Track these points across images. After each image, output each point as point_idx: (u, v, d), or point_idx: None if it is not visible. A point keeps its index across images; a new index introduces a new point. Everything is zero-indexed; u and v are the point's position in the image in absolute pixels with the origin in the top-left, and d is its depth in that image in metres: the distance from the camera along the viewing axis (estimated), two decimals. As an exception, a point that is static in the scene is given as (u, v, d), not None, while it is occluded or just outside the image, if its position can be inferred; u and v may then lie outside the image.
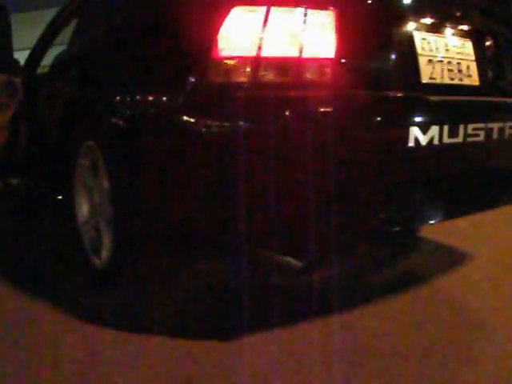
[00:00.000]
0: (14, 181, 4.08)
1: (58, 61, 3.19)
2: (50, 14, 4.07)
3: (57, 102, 2.89)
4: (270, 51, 1.84)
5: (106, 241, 2.38)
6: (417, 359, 1.93)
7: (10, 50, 3.80)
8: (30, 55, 3.93)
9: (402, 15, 2.16)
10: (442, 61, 2.18)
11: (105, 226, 2.40)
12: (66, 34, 3.56)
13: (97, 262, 2.47)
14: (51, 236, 3.38)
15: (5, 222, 3.82)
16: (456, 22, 2.34)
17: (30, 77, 3.71)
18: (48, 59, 3.56)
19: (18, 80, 3.50)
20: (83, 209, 2.65)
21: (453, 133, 2.03)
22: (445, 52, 2.21)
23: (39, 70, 3.92)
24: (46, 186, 3.52)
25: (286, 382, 1.78)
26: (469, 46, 2.33)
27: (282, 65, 1.85)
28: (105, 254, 2.40)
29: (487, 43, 2.47)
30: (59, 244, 3.16)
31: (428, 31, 2.18)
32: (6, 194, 4.29)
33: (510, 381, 1.81)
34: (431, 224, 2.30)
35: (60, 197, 3.14)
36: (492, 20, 2.59)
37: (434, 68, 2.14)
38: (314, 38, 1.88)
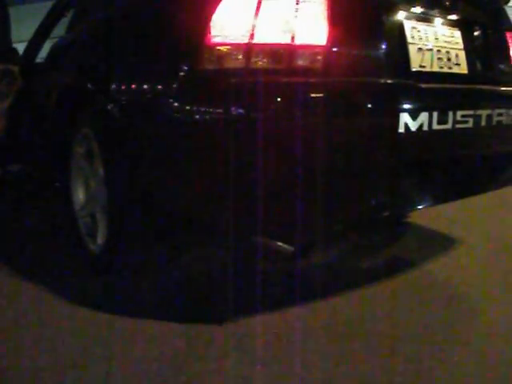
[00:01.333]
0: (13, 168, 4.06)
1: (56, 50, 3.16)
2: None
3: (54, 90, 2.86)
4: (262, 38, 1.81)
5: (101, 227, 2.36)
6: (407, 341, 1.92)
7: (8, 39, 3.77)
8: (29, 44, 3.89)
9: (393, 4, 2.13)
10: (431, 49, 2.16)
11: (100, 213, 2.38)
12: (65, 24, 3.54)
13: (92, 247, 2.45)
14: (48, 222, 3.34)
15: (3, 209, 3.78)
16: (445, 11, 2.32)
17: (29, 66, 3.67)
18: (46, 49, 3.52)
19: (16, 69, 3.47)
20: (79, 195, 2.63)
21: (442, 119, 2.01)
22: (434, 41, 2.19)
23: (37, 59, 3.88)
24: (44, 174, 3.49)
25: (277, 364, 1.76)
26: (458, 35, 2.32)
27: (275, 51, 1.81)
28: (100, 239, 2.38)
29: (475, 33, 2.45)
30: (56, 230, 3.12)
31: (418, 20, 2.17)
32: (4, 181, 4.26)
33: (499, 361, 1.80)
34: (420, 209, 2.29)
35: (57, 184, 3.10)
36: (480, 10, 2.57)
37: (423, 56, 2.12)
38: (306, 25, 1.85)
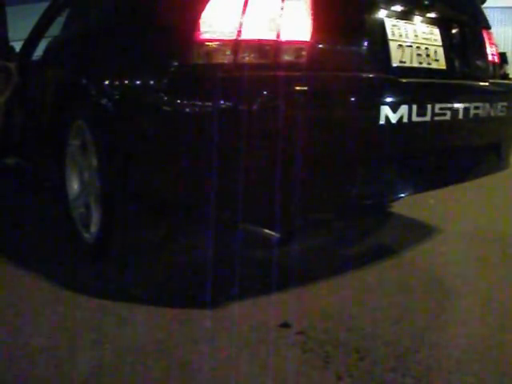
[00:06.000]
0: (9, 161, 4.04)
1: (52, 47, 3.14)
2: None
3: (49, 84, 2.85)
4: (249, 34, 1.82)
5: (95, 216, 2.36)
6: (388, 324, 1.93)
7: (5, 37, 3.75)
8: (25, 42, 3.86)
9: (375, 2, 2.14)
10: (411, 46, 2.18)
11: (94, 203, 2.38)
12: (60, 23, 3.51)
13: (86, 236, 2.45)
14: (44, 213, 3.34)
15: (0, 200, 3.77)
16: (425, 10, 2.34)
17: (25, 63, 3.64)
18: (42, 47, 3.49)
19: (12, 65, 3.45)
20: (73, 186, 2.62)
21: (421, 112, 2.02)
22: (414, 38, 2.20)
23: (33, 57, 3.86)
24: (39, 166, 3.48)
25: (266, 345, 1.77)
26: (436, 32, 2.33)
27: (261, 47, 1.83)
28: (94, 228, 2.38)
29: (453, 30, 2.46)
30: (51, 220, 3.11)
31: (398, 18, 2.18)
32: (1, 174, 4.25)
33: (476, 342, 1.82)
34: (402, 198, 2.30)
35: (52, 175, 3.09)
36: (458, 9, 2.58)
37: (403, 52, 2.14)
38: (291, 22, 1.86)
